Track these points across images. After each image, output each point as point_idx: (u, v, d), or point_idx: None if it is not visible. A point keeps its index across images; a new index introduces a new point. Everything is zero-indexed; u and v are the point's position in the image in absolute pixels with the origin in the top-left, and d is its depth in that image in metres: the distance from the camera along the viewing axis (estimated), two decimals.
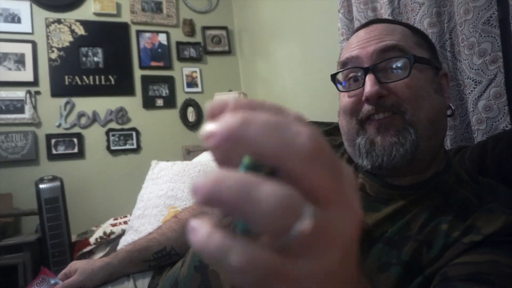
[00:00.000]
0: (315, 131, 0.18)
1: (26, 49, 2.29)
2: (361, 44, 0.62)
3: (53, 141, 2.30)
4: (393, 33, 0.62)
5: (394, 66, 0.59)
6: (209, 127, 0.18)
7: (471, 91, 0.92)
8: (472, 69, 0.91)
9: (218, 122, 0.18)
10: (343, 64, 0.64)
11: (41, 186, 1.84)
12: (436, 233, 0.54)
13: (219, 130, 0.17)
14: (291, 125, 0.18)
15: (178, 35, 2.69)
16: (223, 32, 2.81)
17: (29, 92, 2.26)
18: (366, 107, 0.60)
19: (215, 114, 0.19)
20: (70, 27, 2.41)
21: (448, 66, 1.01)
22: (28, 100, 2.25)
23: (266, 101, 0.19)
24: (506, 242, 0.50)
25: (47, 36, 2.36)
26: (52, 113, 2.33)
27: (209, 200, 0.17)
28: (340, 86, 0.65)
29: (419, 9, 1.04)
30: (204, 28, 2.76)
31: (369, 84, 0.58)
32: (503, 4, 0.88)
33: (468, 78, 0.92)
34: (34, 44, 2.32)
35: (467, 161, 0.78)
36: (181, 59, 2.67)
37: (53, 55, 2.36)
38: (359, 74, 0.62)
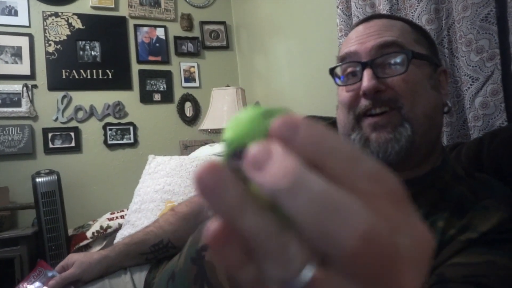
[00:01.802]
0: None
1: (23, 42, 2.28)
2: (360, 39, 0.62)
3: (50, 135, 2.29)
4: (392, 29, 0.62)
5: (392, 62, 0.59)
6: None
7: (468, 87, 0.92)
8: (470, 66, 0.91)
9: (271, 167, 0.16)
10: (342, 59, 0.65)
11: (38, 180, 1.83)
12: (432, 230, 0.54)
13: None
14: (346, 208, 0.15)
15: (176, 29, 2.68)
16: (221, 27, 2.80)
17: (26, 85, 2.25)
18: (364, 102, 0.60)
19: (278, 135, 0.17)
20: (67, 21, 2.40)
21: (445, 63, 1.01)
22: (25, 94, 2.24)
23: (345, 144, 0.17)
24: (501, 240, 0.50)
25: (44, 30, 2.34)
26: (49, 106, 2.32)
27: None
28: (338, 81, 0.66)
29: (417, 6, 1.04)
30: (202, 23, 2.75)
31: (366, 79, 0.58)
32: (501, 1, 0.88)
33: (465, 75, 0.93)
34: (31, 37, 2.31)
35: (464, 157, 0.78)
36: (179, 53, 2.66)
37: (50, 49, 2.34)
38: (357, 69, 0.62)
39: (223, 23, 2.81)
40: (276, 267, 0.16)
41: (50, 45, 2.35)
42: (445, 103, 0.65)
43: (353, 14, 1.26)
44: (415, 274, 0.16)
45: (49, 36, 2.35)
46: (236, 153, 0.19)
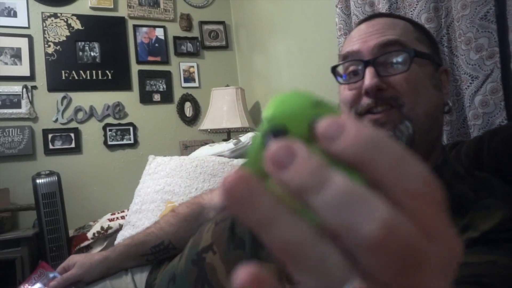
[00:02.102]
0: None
1: (22, 44, 2.28)
2: (362, 38, 0.62)
3: (50, 136, 2.30)
4: (395, 28, 0.62)
5: (394, 61, 0.59)
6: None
7: (468, 86, 0.92)
8: (469, 64, 0.91)
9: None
10: (344, 58, 0.64)
11: (38, 181, 1.83)
12: None
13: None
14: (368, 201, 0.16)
15: (175, 29, 2.68)
16: (221, 27, 2.80)
17: (25, 86, 2.25)
18: (366, 100, 0.60)
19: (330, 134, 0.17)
20: (66, 22, 2.40)
21: (445, 62, 1.01)
22: (24, 95, 2.24)
23: (394, 144, 0.17)
24: (502, 240, 0.50)
25: (44, 31, 2.34)
26: (49, 108, 2.32)
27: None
28: (340, 79, 0.65)
29: (416, 4, 1.04)
30: (202, 23, 2.75)
31: (368, 77, 0.58)
32: None
33: (465, 73, 0.93)
34: (30, 39, 2.31)
35: (463, 156, 0.78)
36: (178, 54, 2.66)
37: (50, 50, 2.34)
38: (359, 67, 0.62)
39: (222, 23, 2.80)
40: (315, 279, 0.16)
41: (49, 46, 2.34)
42: (446, 103, 0.65)
43: (352, 13, 1.26)
44: (443, 283, 0.16)
45: (49, 37, 2.35)
46: (273, 131, 0.18)
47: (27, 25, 2.31)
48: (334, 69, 0.66)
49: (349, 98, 0.62)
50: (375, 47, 0.60)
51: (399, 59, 0.59)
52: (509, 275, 0.47)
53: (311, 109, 0.18)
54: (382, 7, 1.14)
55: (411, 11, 1.06)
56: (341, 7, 1.31)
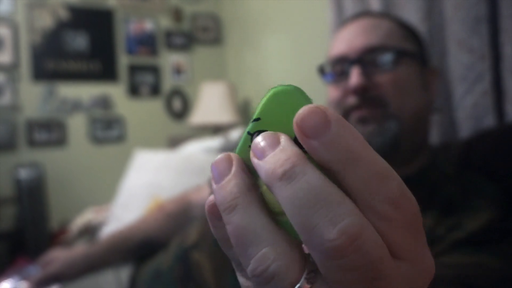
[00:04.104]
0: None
1: (7, 31, 2.22)
2: (348, 40, 0.63)
3: (34, 127, 2.24)
4: (379, 29, 0.62)
5: (380, 60, 0.60)
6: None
7: (458, 87, 0.93)
8: (460, 65, 0.92)
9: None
10: (331, 60, 0.65)
11: (21, 174, 1.79)
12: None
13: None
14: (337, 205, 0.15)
15: (166, 22, 2.64)
16: (212, 21, 2.77)
17: (9, 75, 2.19)
18: (352, 99, 0.60)
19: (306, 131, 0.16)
20: (53, 10, 2.34)
21: (436, 62, 1.01)
22: (8, 84, 2.18)
23: (374, 157, 0.17)
24: (489, 240, 0.50)
25: (30, 18, 2.28)
26: (33, 98, 2.27)
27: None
28: (327, 79, 0.66)
29: (409, 4, 1.04)
30: (193, 16, 2.72)
31: (354, 76, 0.59)
32: (493, 1, 0.88)
33: (455, 74, 0.93)
34: (15, 26, 2.25)
35: (453, 157, 0.79)
36: (169, 47, 2.63)
37: (36, 38, 2.29)
38: (346, 67, 0.62)
39: (214, 16, 2.78)
40: (257, 275, 0.16)
41: (35, 34, 2.29)
42: (434, 102, 0.65)
43: (344, 9, 1.25)
44: None
45: (35, 25, 2.29)
46: (259, 133, 0.18)
47: (12, 12, 2.25)
48: (321, 69, 0.67)
49: (336, 97, 0.63)
50: (360, 50, 0.61)
51: (386, 58, 0.60)
52: (496, 276, 0.47)
53: None
54: (374, 3, 1.14)
55: (404, 12, 1.05)
56: (334, 3, 1.30)
